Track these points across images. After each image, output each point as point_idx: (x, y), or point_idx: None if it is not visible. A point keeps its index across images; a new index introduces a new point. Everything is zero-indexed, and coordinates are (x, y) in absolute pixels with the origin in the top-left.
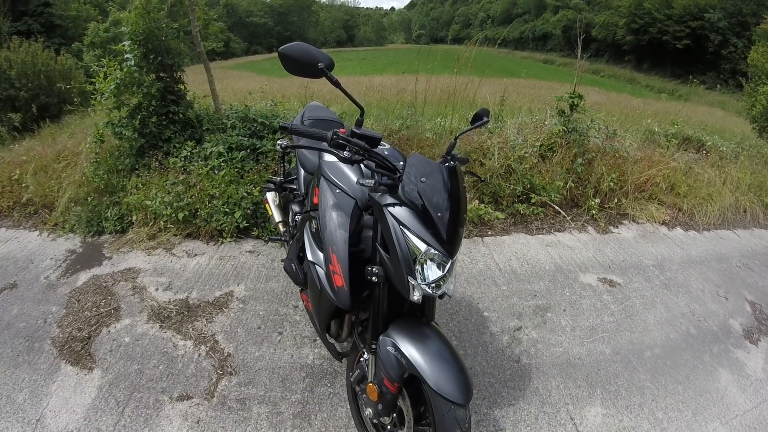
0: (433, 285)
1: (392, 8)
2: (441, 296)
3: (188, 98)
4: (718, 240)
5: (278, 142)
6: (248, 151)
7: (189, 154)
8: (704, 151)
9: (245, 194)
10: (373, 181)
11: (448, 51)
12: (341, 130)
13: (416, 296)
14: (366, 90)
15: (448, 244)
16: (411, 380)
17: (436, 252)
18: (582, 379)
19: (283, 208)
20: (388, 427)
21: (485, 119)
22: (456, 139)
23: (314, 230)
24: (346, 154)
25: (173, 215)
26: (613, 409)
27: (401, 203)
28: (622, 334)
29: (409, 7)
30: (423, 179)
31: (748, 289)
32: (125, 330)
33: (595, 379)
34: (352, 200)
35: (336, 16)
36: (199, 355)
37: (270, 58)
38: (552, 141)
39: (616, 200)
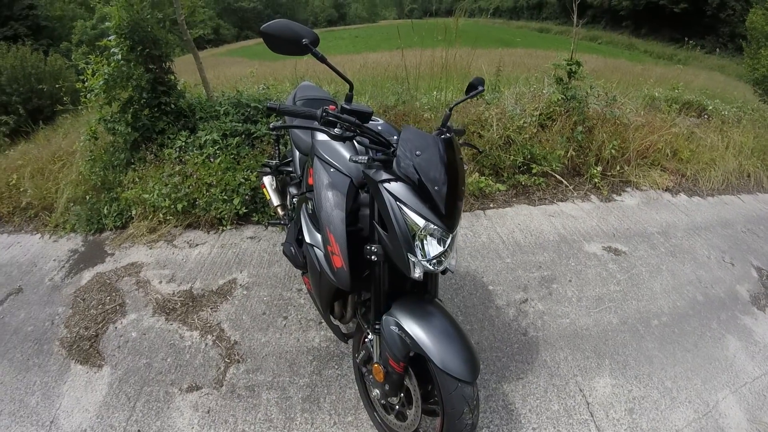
0: (434, 261)
1: None
2: (443, 272)
3: (179, 88)
4: (723, 205)
5: (270, 124)
6: (243, 136)
7: (184, 144)
8: (706, 116)
9: (243, 180)
10: (366, 158)
11: (440, 24)
12: (331, 107)
13: (417, 273)
14: (360, 68)
15: (447, 219)
16: (417, 359)
17: (435, 227)
18: (590, 349)
19: (281, 191)
20: (396, 407)
21: (480, 88)
22: (450, 110)
23: (311, 212)
24: (336, 131)
25: (172, 207)
26: (622, 380)
27: (397, 179)
28: (628, 303)
29: None
30: (418, 153)
31: (754, 254)
32: (132, 325)
33: (603, 350)
34: (347, 178)
35: None
36: (206, 344)
37: (261, 42)
38: (551, 110)
39: (618, 167)
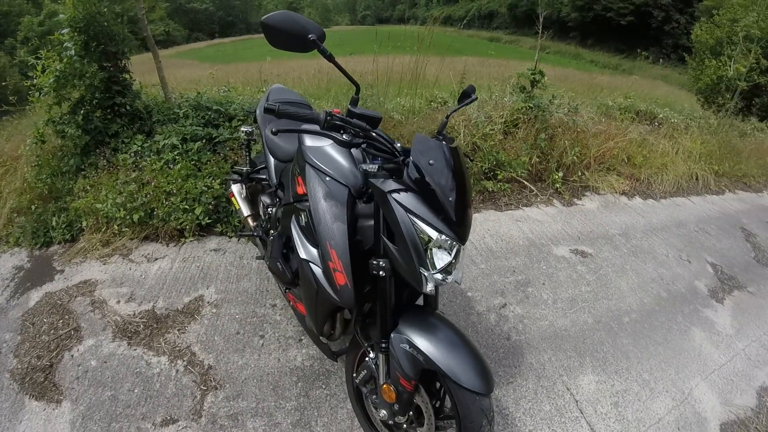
0: (444, 273)
1: None
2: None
3: (134, 88)
4: (675, 207)
5: (242, 128)
6: (204, 141)
7: (140, 148)
8: (657, 123)
9: (205, 188)
10: (376, 166)
11: (394, 31)
12: (335, 110)
13: (429, 287)
14: (316, 73)
15: (459, 229)
16: (423, 373)
17: (448, 239)
18: (571, 349)
19: (251, 200)
20: (404, 425)
21: (473, 96)
22: (447, 117)
23: (304, 224)
24: (345, 137)
25: (127, 217)
26: (604, 376)
27: (407, 188)
28: (600, 303)
29: None
30: (431, 162)
31: (708, 251)
32: (90, 352)
33: (583, 349)
34: (345, 188)
35: None
36: (177, 371)
37: (212, 44)
38: (515, 117)
39: (579, 173)
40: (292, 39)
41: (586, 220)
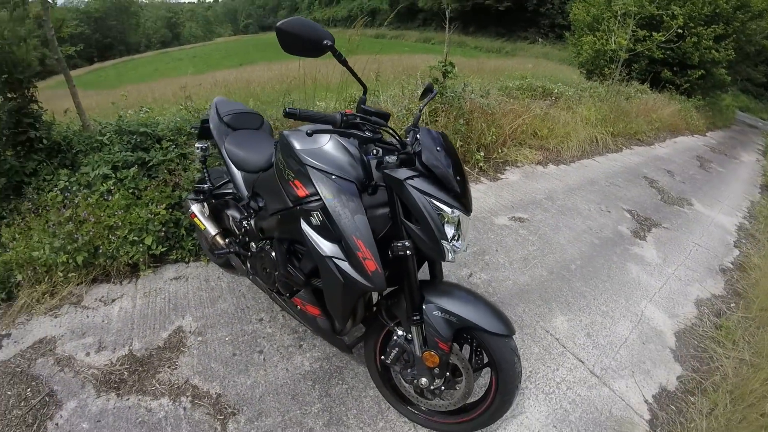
0: (458, 242)
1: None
2: None
3: (45, 118)
4: (584, 168)
5: (197, 145)
6: (137, 167)
7: (67, 184)
8: (554, 98)
9: (150, 216)
10: (395, 158)
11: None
12: (347, 110)
13: (450, 257)
14: (212, 87)
15: (466, 201)
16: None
17: (460, 213)
18: (538, 299)
19: (215, 217)
20: (442, 387)
21: (435, 91)
22: (420, 111)
23: (319, 223)
24: (368, 133)
25: (70, 261)
26: (571, 315)
27: (418, 174)
28: (548, 257)
29: None
30: (438, 148)
31: (621, 201)
32: (77, 415)
33: (547, 297)
34: (352, 183)
35: (158, 15)
36: (185, 408)
37: (92, 70)
38: (433, 108)
39: (498, 150)
40: (307, 44)
41: (513, 191)
